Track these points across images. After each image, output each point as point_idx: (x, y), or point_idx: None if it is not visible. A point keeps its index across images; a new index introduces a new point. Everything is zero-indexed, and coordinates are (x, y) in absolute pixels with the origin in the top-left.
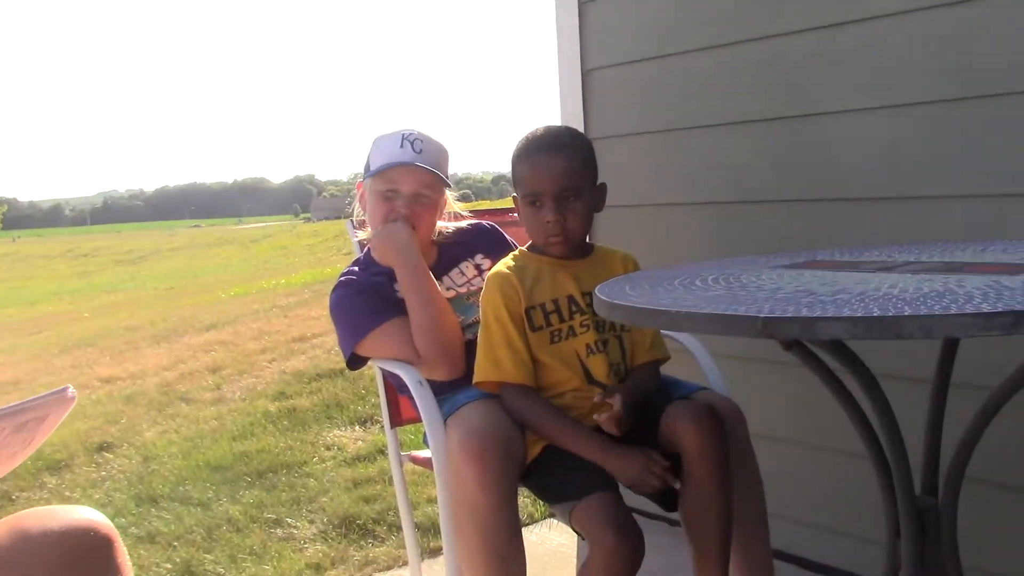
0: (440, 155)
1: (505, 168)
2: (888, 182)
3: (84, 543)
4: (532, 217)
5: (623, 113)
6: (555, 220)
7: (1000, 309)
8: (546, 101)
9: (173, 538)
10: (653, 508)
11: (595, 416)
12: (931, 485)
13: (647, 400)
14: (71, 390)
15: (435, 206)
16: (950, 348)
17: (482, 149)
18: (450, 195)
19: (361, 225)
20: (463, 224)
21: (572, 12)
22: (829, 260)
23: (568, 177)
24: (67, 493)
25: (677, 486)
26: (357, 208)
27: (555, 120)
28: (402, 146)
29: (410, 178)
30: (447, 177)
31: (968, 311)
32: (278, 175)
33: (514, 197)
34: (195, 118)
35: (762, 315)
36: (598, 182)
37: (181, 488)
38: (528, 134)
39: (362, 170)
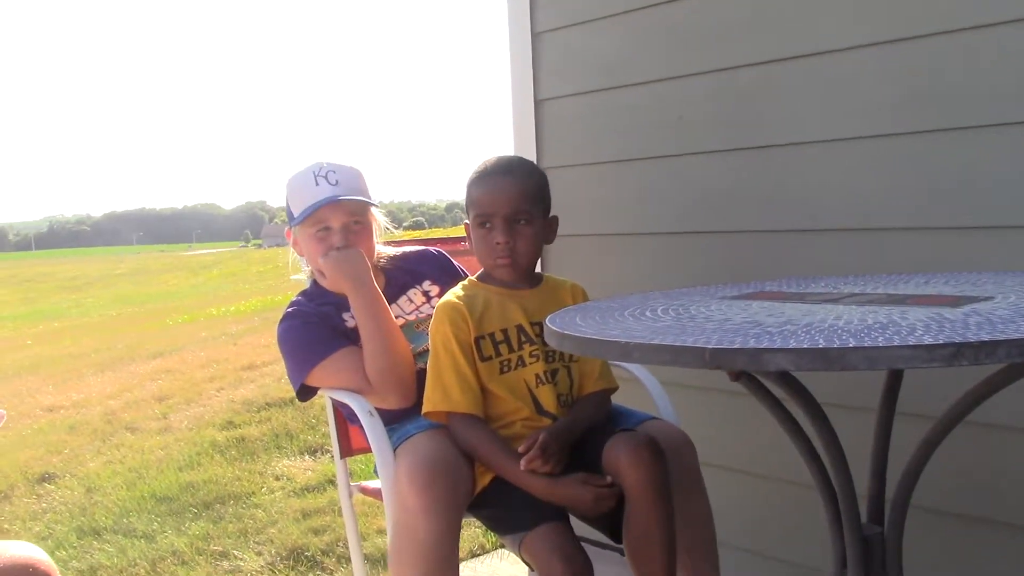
0: (356, 179)
1: (459, 196)
2: (835, 214)
3: None
4: (482, 240)
5: (575, 143)
6: (504, 243)
7: (941, 341)
8: (500, 130)
9: (116, 572)
10: (603, 537)
11: (521, 464)
12: (877, 514)
13: (592, 432)
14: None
15: (369, 230)
16: (895, 378)
17: (436, 177)
18: (378, 213)
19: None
20: (409, 249)
21: (525, 43)
22: (777, 291)
23: (520, 200)
24: (6, 526)
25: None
26: (293, 254)
27: (508, 149)
28: (317, 184)
29: (337, 212)
30: (369, 198)
31: (910, 343)
32: (229, 201)
33: (466, 224)
34: (144, 142)
35: (710, 346)
36: (550, 215)
37: (125, 520)
38: (484, 161)
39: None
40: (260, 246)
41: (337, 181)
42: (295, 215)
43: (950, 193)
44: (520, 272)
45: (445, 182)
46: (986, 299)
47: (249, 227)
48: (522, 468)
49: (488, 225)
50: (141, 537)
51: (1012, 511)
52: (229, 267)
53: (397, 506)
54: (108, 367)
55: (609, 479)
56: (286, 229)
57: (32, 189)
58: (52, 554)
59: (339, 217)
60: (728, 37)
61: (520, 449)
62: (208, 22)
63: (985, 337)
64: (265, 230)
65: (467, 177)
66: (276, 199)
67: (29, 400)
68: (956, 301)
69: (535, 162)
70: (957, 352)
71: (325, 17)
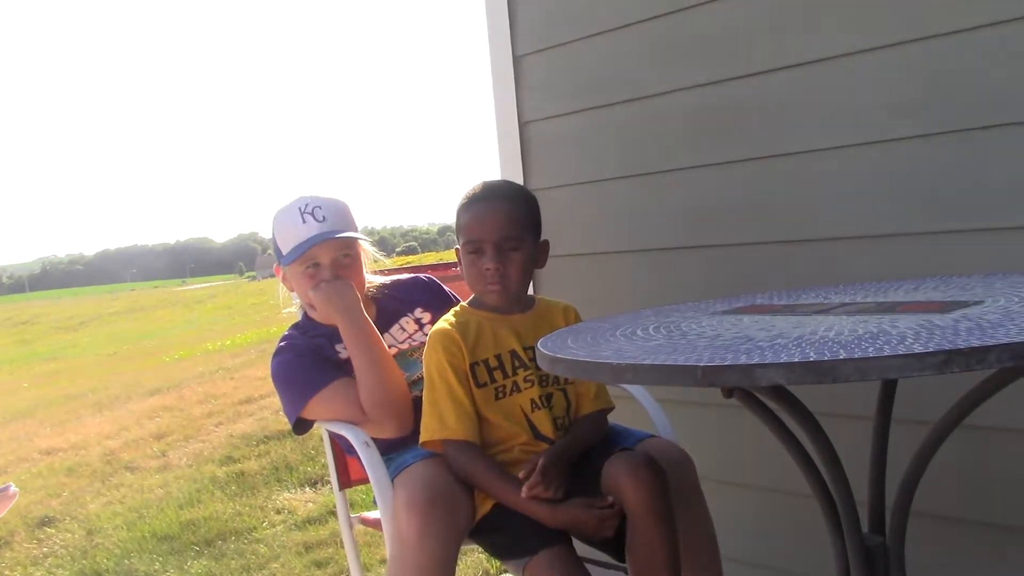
0: (342, 213)
1: (450, 219)
2: (821, 224)
3: None
4: (472, 265)
5: (559, 164)
6: (494, 269)
7: (931, 349)
8: (488, 152)
9: None
10: (607, 558)
11: (523, 491)
12: (878, 522)
13: (590, 452)
14: (12, 488)
15: (358, 261)
16: (889, 386)
17: (427, 201)
18: (366, 243)
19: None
20: (399, 277)
21: (507, 66)
22: (767, 304)
23: (510, 226)
24: (7, 572)
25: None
26: (283, 290)
27: (496, 171)
28: (304, 221)
29: (326, 249)
30: (357, 230)
31: (900, 352)
32: (221, 234)
33: (457, 249)
34: (135, 179)
35: (701, 364)
36: (541, 239)
37: (126, 561)
38: (475, 184)
39: (276, 251)
40: (254, 278)
41: (324, 217)
42: (283, 253)
43: (936, 197)
44: (511, 298)
45: (436, 206)
46: (975, 303)
47: (243, 259)
48: (524, 495)
49: (478, 251)
50: None
51: (1014, 513)
52: (223, 300)
53: (395, 534)
54: (105, 407)
55: (610, 499)
56: (275, 265)
57: (24, 230)
58: None
59: (328, 253)
60: (710, 51)
61: (520, 475)
62: (191, 56)
63: (975, 343)
64: (258, 261)
65: (457, 201)
66: (267, 230)
67: (27, 444)
68: (945, 307)
69: (522, 184)
70: (948, 359)
71: (311, 44)
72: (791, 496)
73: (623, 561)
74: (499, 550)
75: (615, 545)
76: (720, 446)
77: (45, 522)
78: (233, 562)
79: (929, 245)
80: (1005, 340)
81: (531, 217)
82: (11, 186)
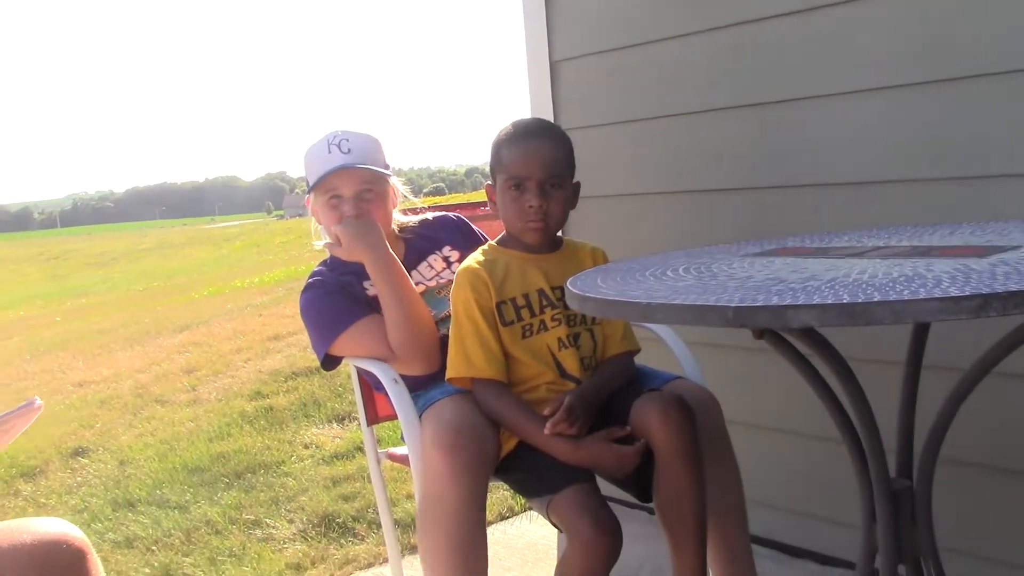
0: (371, 148)
1: (477, 161)
2: (857, 167)
3: (57, 557)
4: (514, 202)
5: (590, 104)
6: (539, 206)
7: (968, 293)
8: (516, 94)
9: (151, 542)
10: (631, 498)
11: (546, 428)
12: (906, 468)
13: (617, 394)
14: (38, 401)
15: (383, 198)
16: (921, 331)
17: (454, 142)
18: (396, 182)
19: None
20: (428, 216)
21: (539, 4)
22: (799, 247)
23: (556, 165)
24: (42, 500)
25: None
26: (313, 222)
27: (525, 112)
28: (330, 151)
29: (347, 180)
30: (385, 167)
31: (936, 295)
32: (249, 173)
33: (488, 186)
34: (164, 117)
35: (732, 304)
36: (574, 180)
37: (158, 491)
38: (514, 122)
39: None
40: (282, 216)
41: (350, 149)
42: (309, 182)
43: (974, 143)
44: (550, 236)
45: (463, 147)
46: (1013, 248)
47: (270, 198)
48: (547, 432)
49: (521, 188)
50: (175, 508)
51: None
52: (252, 238)
53: (424, 471)
54: (136, 342)
55: (628, 428)
56: (306, 197)
57: (54, 167)
58: (87, 527)
59: (350, 185)
60: None
61: (545, 412)
62: None
63: (1013, 287)
64: (286, 201)
65: (493, 139)
66: (296, 170)
67: (60, 376)
68: (983, 251)
69: None
70: (985, 303)
71: None
72: (817, 440)
73: (647, 501)
74: (524, 487)
75: (640, 484)
76: (747, 390)
77: (79, 452)
78: (262, 494)
79: (966, 191)
80: None
81: (572, 157)
82: (41, 123)
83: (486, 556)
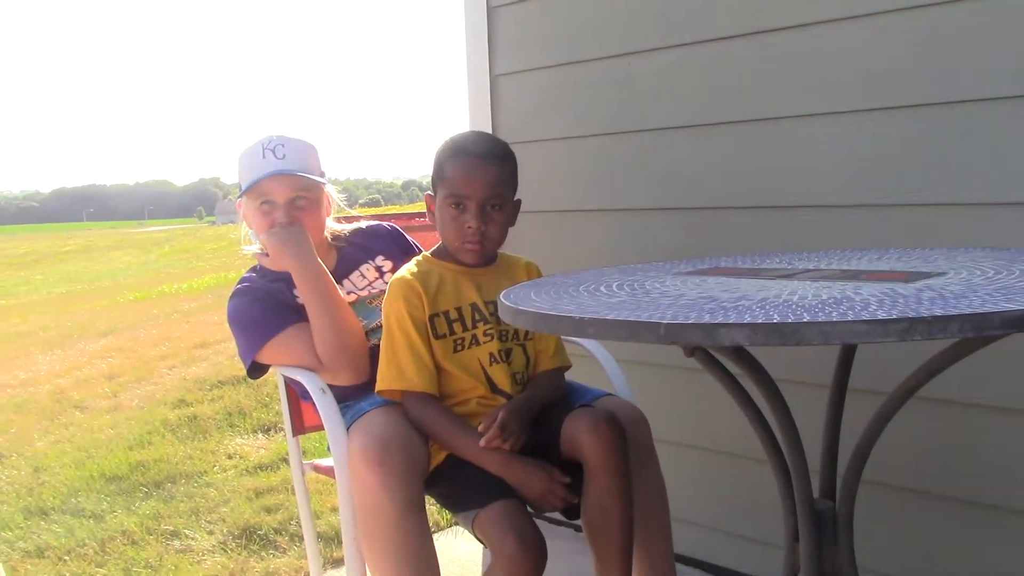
0: (306, 154)
1: (415, 173)
2: (791, 191)
3: None
4: (452, 220)
5: (529, 119)
6: (476, 227)
7: (895, 316)
8: (456, 107)
9: (63, 552)
10: (557, 515)
11: (480, 443)
12: (829, 489)
13: (548, 409)
14: None
15: (316, 205)
16: (847, 354)
17: (392, 154)
18: (331, 190)
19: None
20: (362, 225)
21: (481, 18)
22: (732, 267)
23: (498, 186)
24: None
25: (576, 501)
26: (244, 227)
27: (464, 126)
28: (264, 156)
29: (280, 186)
30: (320, 174)
31: (864, 317)
32: (182, 177)
33: (428, 195)
34: (94, 118)
35: (664, 321)
36: (516, 197)
37: (73, 500)
38: (459, 136)
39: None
40: (214, 223)
41: (284, 155)
42: (242, 186)
43: (902, 171)
44: (486, 257)
45: (401, 159)
46: (938, 275)
47: (203, 204)
48: (482, 446)
49: (461, 207)
50: (90, 517)
51: (963, 486)
52: (182, 244)
53: (356, 485)
54: (57, 345)
55: (568, 480)
56: (237, 201)
57: None
58: None
59: (283, 192)
60: (686, 12)
61: (480, 428)
62: None
63: (938, 312)
64: (219, 207)
65: (438, 148)
66: (230, 176)
67: None
68: (909, 277)
69: None
70: (910, 327)
71: None
72: (743, 460)
73: (574, 519)
74: (450, 501)
75: (568, 505)
76: (676, 408)
77: None
78: (182, 505)
79: (894, 217)
80: (967, 310)
81: (514, 177)
82: None
83: (436, 565)
